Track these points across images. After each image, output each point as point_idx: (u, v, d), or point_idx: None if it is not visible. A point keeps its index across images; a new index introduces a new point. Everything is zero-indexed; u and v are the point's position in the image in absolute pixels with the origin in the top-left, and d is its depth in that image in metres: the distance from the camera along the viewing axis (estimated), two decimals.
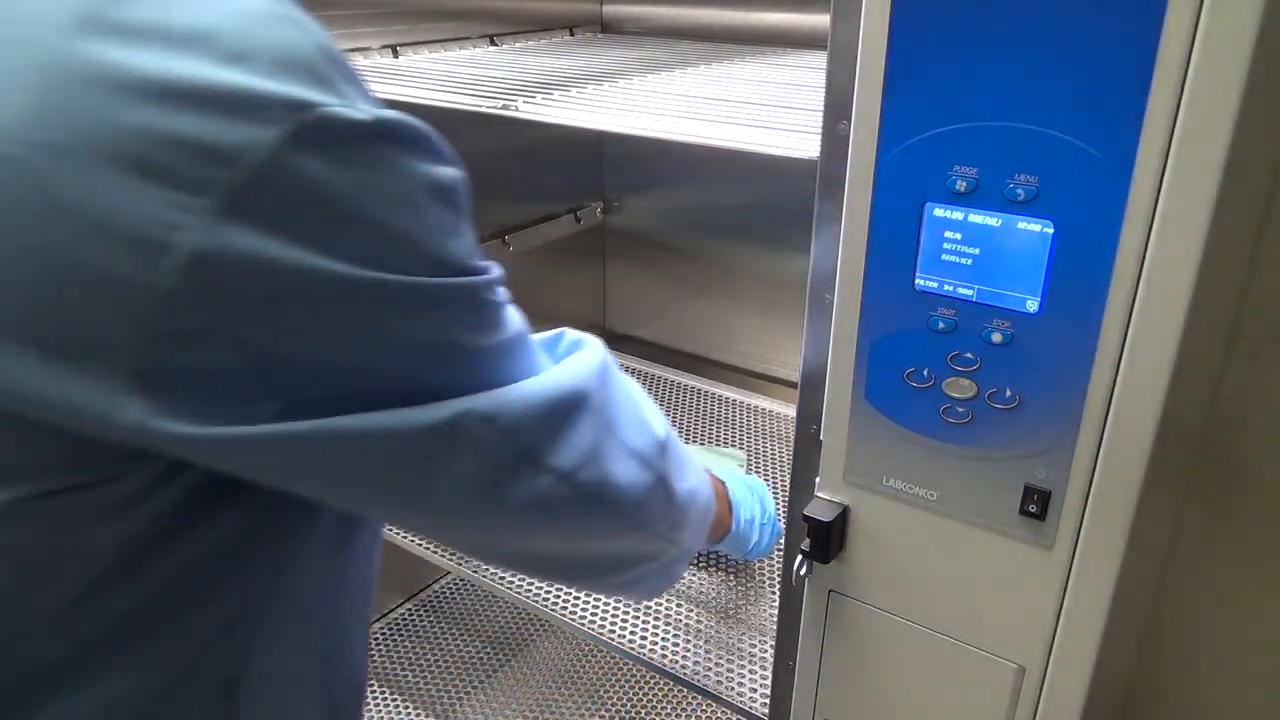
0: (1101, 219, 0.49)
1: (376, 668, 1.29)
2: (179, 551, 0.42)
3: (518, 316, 0.47)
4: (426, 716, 1.21)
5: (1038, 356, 0.53)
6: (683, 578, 1.01)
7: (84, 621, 0.41)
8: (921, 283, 0.56)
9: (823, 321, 0.61)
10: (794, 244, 1.32)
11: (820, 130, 0.57)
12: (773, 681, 0.77)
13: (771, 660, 0.87)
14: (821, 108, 0.57)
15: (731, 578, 1.02)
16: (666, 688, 1.26)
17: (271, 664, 0.48)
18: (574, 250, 1.50)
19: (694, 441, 1.31)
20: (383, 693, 1.24)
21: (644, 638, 0.94)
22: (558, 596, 0.99)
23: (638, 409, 0.55)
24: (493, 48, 1.23)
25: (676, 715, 1.21)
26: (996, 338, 0.54)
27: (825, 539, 0.64)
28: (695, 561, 1.04)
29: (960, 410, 0.57)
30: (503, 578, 1.02)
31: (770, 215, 1.34)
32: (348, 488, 0.43)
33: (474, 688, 1.26)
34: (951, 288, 0.55)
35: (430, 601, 1.42)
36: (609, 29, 1.41)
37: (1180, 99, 0.45)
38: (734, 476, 0.88)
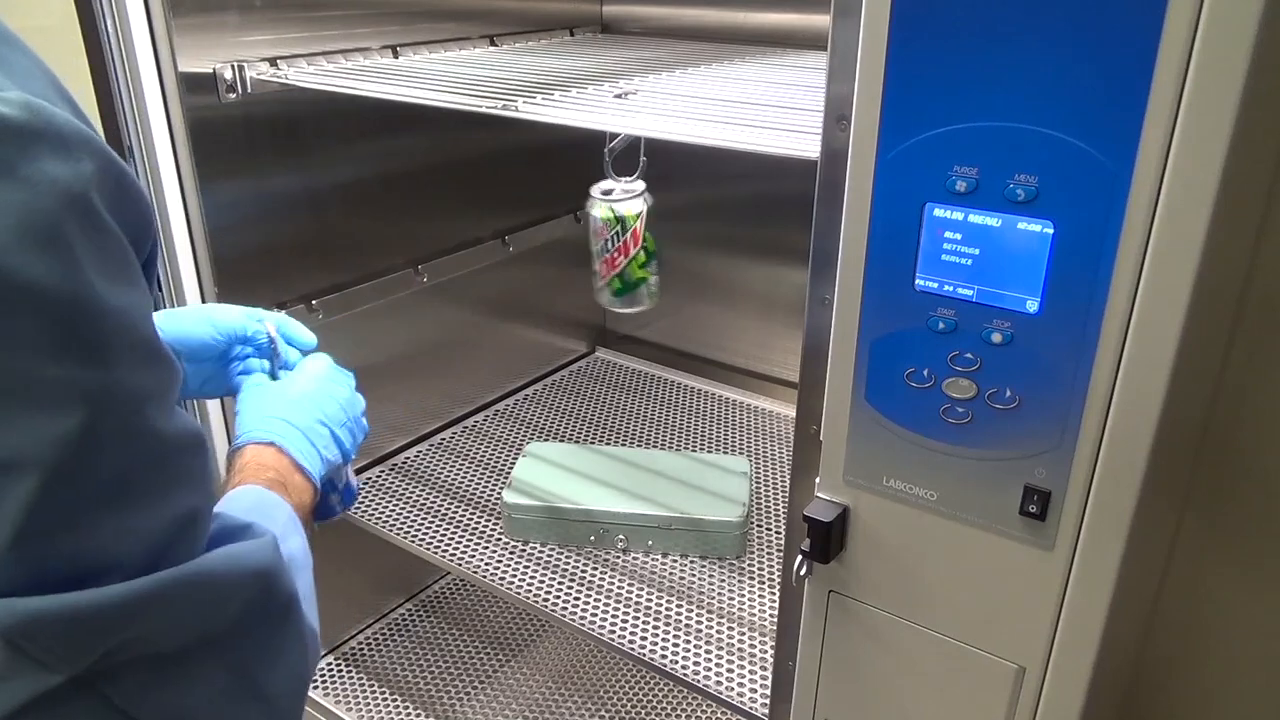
0: (1102, 219, 0.49)
1: (376, 667, 1.29)
2: None
3: None
4: (426, 716, 1.21)
5: (1038, 357, 0.53)
6: (682, 577, 1.01)
7: None
8: (921, 283, 0.56)
9: (822, 322, 0.61)
10: (794, 244, 1.32)
11: (820, 130, 0.57)
12: (773, 681, 0.77)
13: (771, 660, 0.87)
14: (821, 108, 0.57)
15: (732, 577, 1.02)
16: (666, 688, 1.26)
17: None
18: (574, 250, 1.49)
19: (696, 443, 1.31)
20: (383, 693, 1.24)
21: (644, 638, 0.94)
22: (558, 596, 0.99)
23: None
24: (493, 48, 1.23)
25: (676, 715, 1.21)
26: (996, 338, 0.54)
27: (825, 539, 0.64)
28: (696, 561, 1.04)
29: (960, 410, 0.57)
30: (503, 578, 1.02)
31: (770, 216, 1.34)
32: None
33: (474, 688, 1.26)
34: (951, 288, 0.55)
35: (430, 601, 1.42)
36: (609, 29, 1.41)
37: (1181, 99, 0.45)
38: (283, 433, 0.65)
